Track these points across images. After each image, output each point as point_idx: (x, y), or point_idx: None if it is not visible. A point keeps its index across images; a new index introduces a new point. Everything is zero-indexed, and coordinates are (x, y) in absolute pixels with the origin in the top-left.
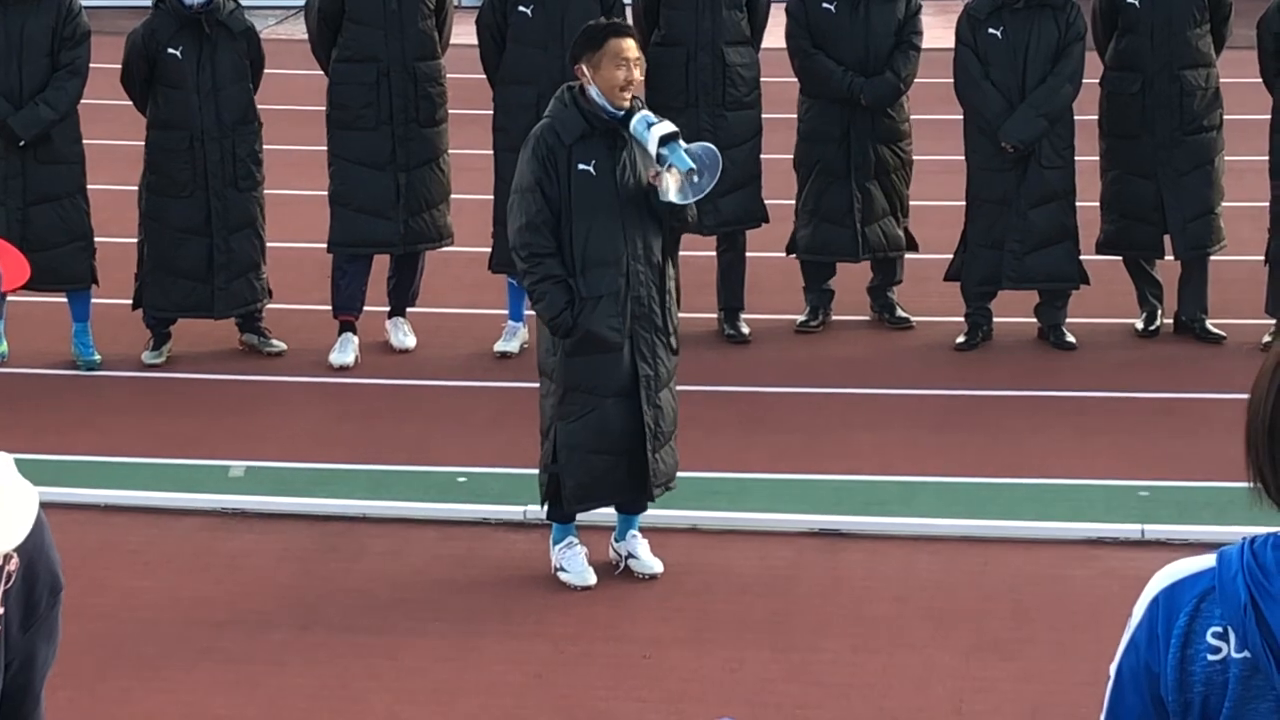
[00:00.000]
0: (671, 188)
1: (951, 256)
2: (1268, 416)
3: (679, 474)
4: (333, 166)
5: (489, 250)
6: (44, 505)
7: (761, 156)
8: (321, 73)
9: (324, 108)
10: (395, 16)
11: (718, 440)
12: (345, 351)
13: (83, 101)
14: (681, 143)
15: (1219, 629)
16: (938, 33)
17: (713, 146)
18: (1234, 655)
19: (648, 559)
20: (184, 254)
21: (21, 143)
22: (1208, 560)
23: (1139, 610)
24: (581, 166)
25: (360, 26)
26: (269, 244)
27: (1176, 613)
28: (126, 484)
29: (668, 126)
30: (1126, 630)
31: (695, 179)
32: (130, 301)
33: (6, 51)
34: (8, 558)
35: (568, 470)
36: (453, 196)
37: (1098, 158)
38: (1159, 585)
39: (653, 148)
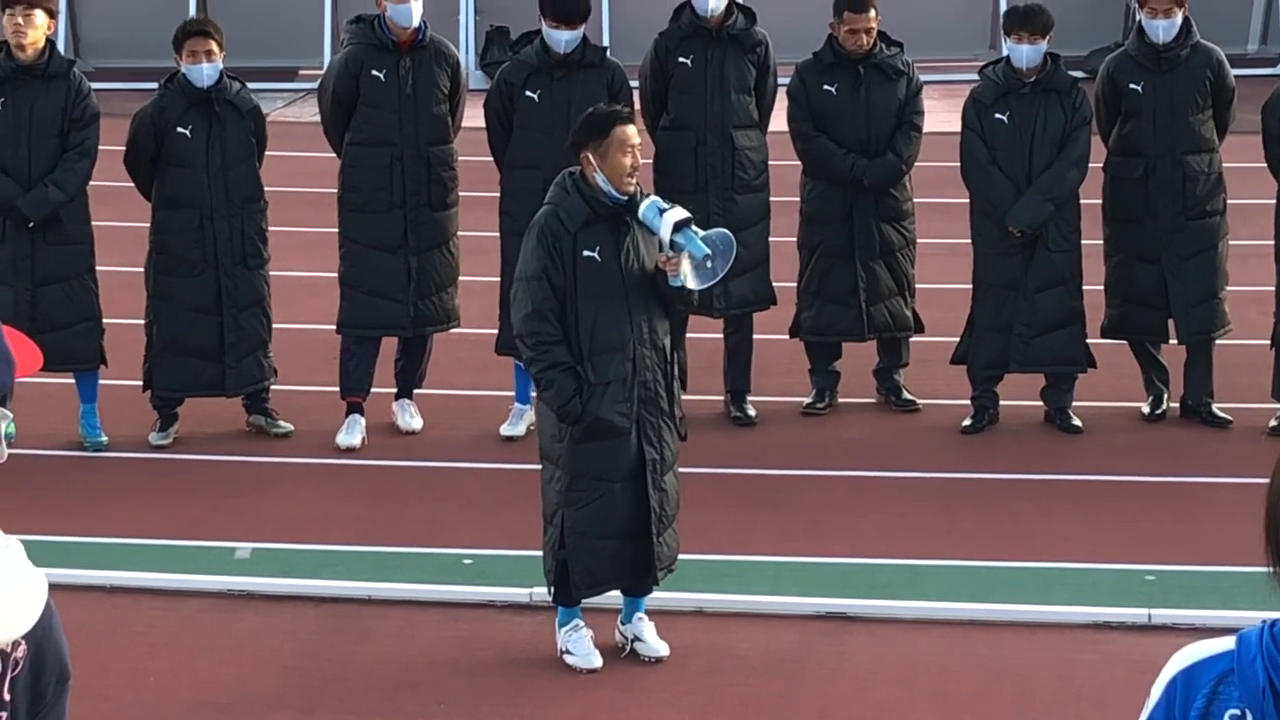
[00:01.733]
0: (687, 273)
1: (957, 339)
2: None
3: (684, 556)
4: (344, 249)
5: (495, 332)
6: (49, 586)
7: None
8: (327, 155)
9: (330, 190)
10: (410, 101)
11: (723, 522)
12: (352, 433)
13: (91, 183)
14: (695, 228)
15: (1237, 711)
16: (943, 117)
17: (727, 231)
18: None
19: (654, 642)
20: (195, 333)
21: (30, 224)
22: (1227, 643)
23: (1157, 690)
24: (587, 253)
25: (374, 110)
26: (276, 325)
27: (1195, 694)
28: (132, 565)
29: (680, 213)
30: (1144, 710)
31: (709, 264)
32: (139, 383)
33: (15, 132)
34: (15, 645)
35: (576, 556)
36: (460, 279)
37: (1102, 242)
38: (1178, 666)
39: (666, 234)
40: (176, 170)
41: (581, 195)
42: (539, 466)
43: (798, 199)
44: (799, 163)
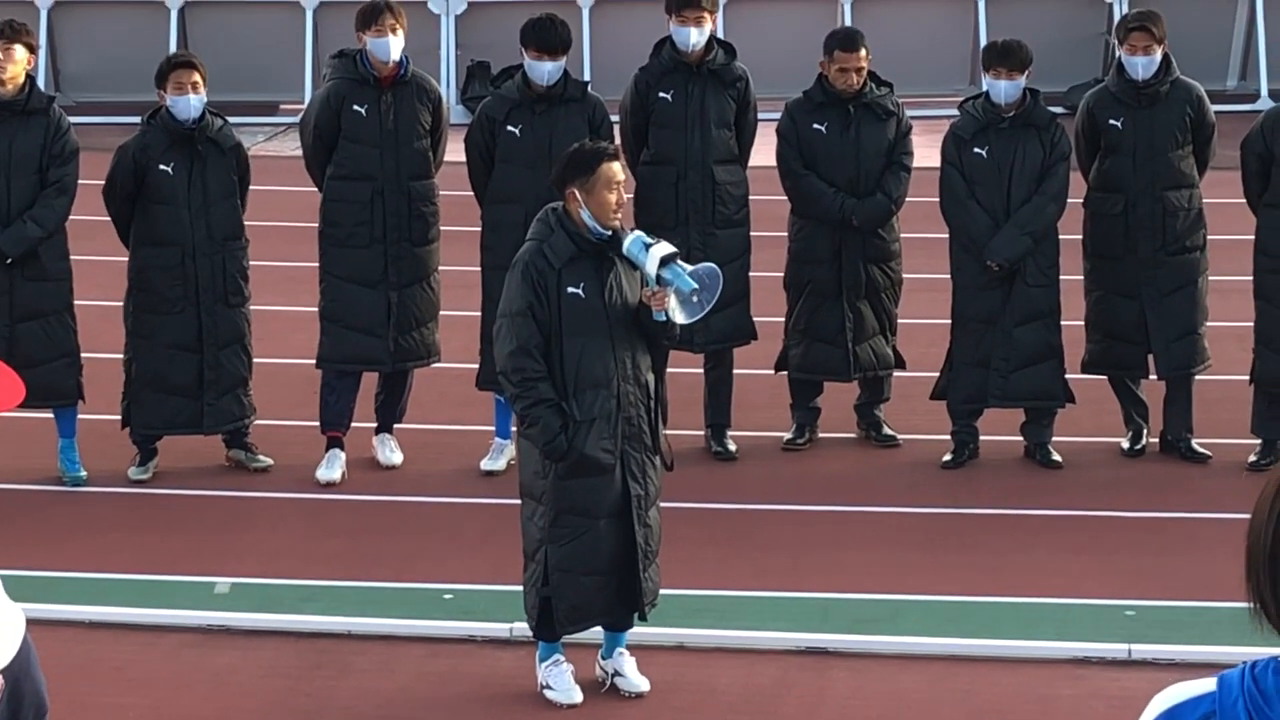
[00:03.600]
0: (674, 308)
1: (938, 375)
2: (1269, 542)
3: (665, 591)
4: (324, 283)
5: (476, 367)
6: (28, 621)
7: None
8: (308, 189)
9: (311, 224)
10: (391, 136)
11: (704, 557)
12: (332, 468)
13: (71, 218)
14: (681, 263)
15: None
16: (923, 152)
17: (713, 265)
18: None
19: (634, 677)
20: (175, 370)
21: (9, 260)
22: (1208, 684)
23: None
24: (571, 289)
25: (356, 145)
26: (256, 360)
27: None
28: (112, 600)
29: (666, 248)
30: None
31: (695, 298)
32: (118, 418)
33: None
34: None
35: (560, 592)
36: (441, 313)
37: (1082, 277)
38: (1160, 707)
39: (652, 269)
40: (158, 208)
41: (565, 231)
42: (519, 502)
43: (778, 234)
44: (783, 198)
